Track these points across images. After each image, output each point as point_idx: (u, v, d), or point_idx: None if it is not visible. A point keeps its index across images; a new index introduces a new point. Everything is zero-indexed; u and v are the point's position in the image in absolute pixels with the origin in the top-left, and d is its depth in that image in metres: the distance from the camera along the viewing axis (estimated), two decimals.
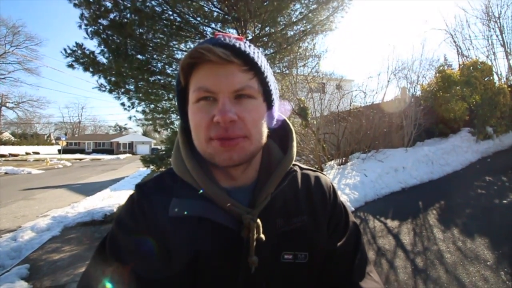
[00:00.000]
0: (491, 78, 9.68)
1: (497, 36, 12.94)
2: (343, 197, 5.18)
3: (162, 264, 0.55)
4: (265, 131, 0.61)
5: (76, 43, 5.43)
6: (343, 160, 7.19)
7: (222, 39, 0.57)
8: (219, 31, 6.28)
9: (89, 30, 5.34)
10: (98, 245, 0.61)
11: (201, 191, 0.59)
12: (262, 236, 0.56)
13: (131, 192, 0.66)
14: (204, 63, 0.54)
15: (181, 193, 0.60)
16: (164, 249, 0.56)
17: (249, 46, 0.59)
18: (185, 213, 0.57)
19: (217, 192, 0.58)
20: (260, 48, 6.69)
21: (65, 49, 5.37)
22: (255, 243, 0.56)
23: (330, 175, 6.39)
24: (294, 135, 0.72)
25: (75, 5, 5.17)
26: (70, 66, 5.44)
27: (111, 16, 5.37)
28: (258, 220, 0.56)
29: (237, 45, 0.55)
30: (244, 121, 0.55)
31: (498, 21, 12.88)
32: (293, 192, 0.66)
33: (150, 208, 0.60)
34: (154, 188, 0.64)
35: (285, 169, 0.64)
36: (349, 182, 5.78)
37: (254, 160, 0.63)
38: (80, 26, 5.29)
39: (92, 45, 5.80)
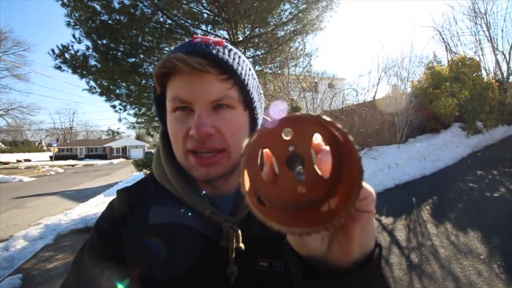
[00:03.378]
0: (480, 73, 9.87)
1: (484, 32, 13.20)
2: None
3: (142, 271, 0.54)
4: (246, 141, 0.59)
5: (62, 44, 5.29)
6: None
7: (198, 45, 0.53)
8: (209, 32, 6.26)
9: (77, 32, 5.26)
10: (78, 252, 0.59)
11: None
12: (242, 245, 0.54)
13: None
14: (178, 72, 0.51)
15: (161, 199, 0.59)
16: (144, 256, 0.55)
17: (230, 50, 0.56)
18: (165, 221, 0.56)
19: (196, 199, 0.57)
20: (251, 49, 6.69)
21: (53, 50, 5.23)
22: (234, 252, 0.54)
23: None
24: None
25: (63, 4, 5.07)
26: (58, 68, 5.34)
27: (100, 18, 5.31)
28: (238, 230, 0.55)
29: (214, 52, 0.52)
30: (222, 133, 0.53)
31: (484, 17, 13.14)
32: None
33: (131, 215, 0.59)
34: (136, 194, 0.62)
35: None
36: None
37: (237, 168, 0.62)
38: (68, 24, 5.18)
39: (80, 47, 5.66)
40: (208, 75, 0.52)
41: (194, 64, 0.49)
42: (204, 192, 0.59)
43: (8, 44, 39.03)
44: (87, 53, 5.45)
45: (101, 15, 5.28)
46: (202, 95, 0.52)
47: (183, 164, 0.57)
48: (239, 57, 0.58)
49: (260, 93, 0.65)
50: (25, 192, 11.40)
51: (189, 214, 0.57)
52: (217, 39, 0.56)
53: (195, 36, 0.57)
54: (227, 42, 0.59)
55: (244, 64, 0.58)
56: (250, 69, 0.60)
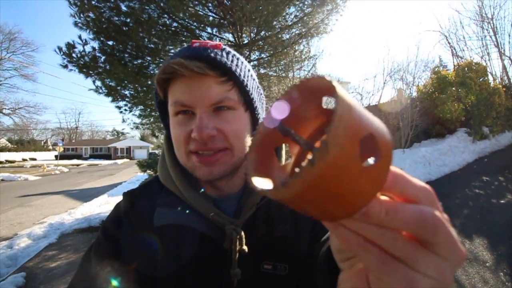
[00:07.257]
0: (486, 78, 9.77)
1: (490, 37, 13.09)
2: None
3: (144, 271, 0.55)
4: (249, 141, 0.58)
5: (68, 43, 5.28)
6: None
7: (197, 49, 0.54)
8: (214, 35, 6.30)
9: (84, 33, 5.30)
10: (85, 252, 0.60)
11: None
12: (245, 247, 0.55)
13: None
14: (179, 77, 0.53)
15: (166, 202, 0.60)
16: (150, 257, 0.55)
17: (228, 53, 0.57)
18: (169, 223, 0.57)
19: (200, 201, 0.57)
20: (256, 52, 6.71)
21: (60, 48, 5.22)
22: (237, 254, 0.54)
23: None
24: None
25: (70, 4, 5.08)
26: (65, 66, 5.37)
27: (109, 19, 5.35)
28: (242, 232, 0.55)
29: (213, 55, 0.53)
30: (224, 133, 0.54)
31: (491, 22, 13.03)
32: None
33: (136, 218, 0.60)
34: (141, 197, 0.63)
35: None
36: None
37: (240, 169, 0.61)
38: (75, 24, 5.21)
39: (87, 48, 5.67)
40: (208, 78, 0.53)
41: (193, 68, 0.50)
42: (202, 189, 0.59)
43: (17, 45, 39.72)
44: (94, 53, 5.49)
45: (111, 17, 5.33)
46: (203, 98, 0.53)
47: (186, 166, 0.57)
48: (238, 59, 0.58)
49: (261, 94, 0.66)
50: (30, 191, 11.51)
51: (192, 215, 0.57)
52: (215, 42, 0.58)
53: (193, 41, 0.58)
54: (226, 44, 0.59)
55: (242, 65, 0.59)
56: (249, 70, 0.61)
